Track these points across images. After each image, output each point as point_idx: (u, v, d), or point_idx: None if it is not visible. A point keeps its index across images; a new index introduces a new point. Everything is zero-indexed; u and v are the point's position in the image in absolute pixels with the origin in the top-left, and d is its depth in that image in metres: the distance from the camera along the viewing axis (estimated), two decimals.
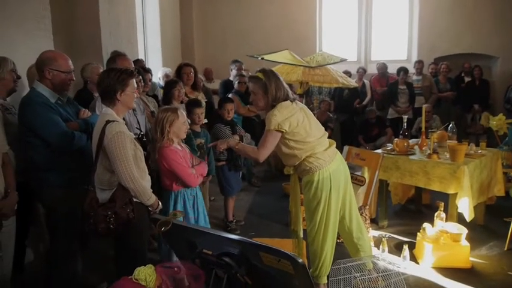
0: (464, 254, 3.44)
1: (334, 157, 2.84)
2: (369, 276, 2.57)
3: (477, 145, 4.43)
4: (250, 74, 6.26)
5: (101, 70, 3.69)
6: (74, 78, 2.77)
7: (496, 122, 4.90)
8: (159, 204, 2.49)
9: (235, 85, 5.86)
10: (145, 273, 1.82)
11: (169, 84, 4.02)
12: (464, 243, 3.46)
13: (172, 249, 2.48)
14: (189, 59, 7.26)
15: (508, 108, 6.48)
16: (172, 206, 2.89)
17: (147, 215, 2.42)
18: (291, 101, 2.77)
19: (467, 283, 3.18)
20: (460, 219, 3.71)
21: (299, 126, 2.71)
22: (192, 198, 2.95)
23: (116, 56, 3.50)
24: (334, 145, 2.91)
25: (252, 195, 5.53)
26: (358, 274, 2.57)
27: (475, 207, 3.74)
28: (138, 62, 4.77)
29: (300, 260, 1.69)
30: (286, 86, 2.80)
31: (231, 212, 4.35)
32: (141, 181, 2.35)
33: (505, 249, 3.74)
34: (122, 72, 2.42)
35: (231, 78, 6.13)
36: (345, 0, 8.69)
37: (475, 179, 3.78)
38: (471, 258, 3.49)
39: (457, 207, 3.68)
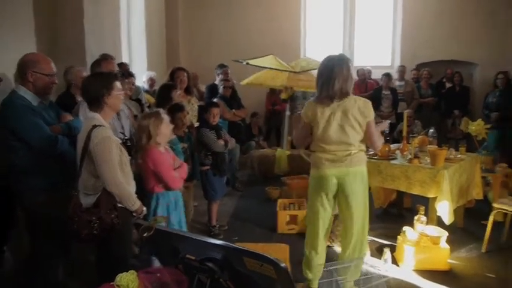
0: (443, 256, 3.51)
1: (318, 165, 2.88)
2: (351, 279, 2.61)
3: (457, 150, 4.52)
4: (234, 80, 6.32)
5: (85, 73, 3.68)
6: (57, 82, 2.75)
7: (475, 127, 5.01)
8: (143, 210, 2.49)
9: (220, 90, 5.87)
10: (127, 279, 1.81)
11: (167, 88, 4.03)
12: (444, 245, 3.53)
13: (154, 255, 2.48)
14: (174, 62, 7.24)
15: (487, 114, 6.63)
16: (154, 208, 2.89)
17: (131, 221, 2.41)
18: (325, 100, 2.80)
19: (447, 285, 3.25)
20: (440, 222, 3.78)
21: (314, 122, 2.85)
22: (174, 201, 2.97)
23: (101, 59, 3.49)
24: (324, 156, 2.87)
25: (235, 199, 5.54)
26: (340, 277, 2.60)
27: (454, 211, 3.81)
28: (122, 66, 4.74)
29: (283, 264, 1.71)
30: (338, 86, 2.73)
31: (215, 217, 4.35)
32: (126, 186, 2.35)
33: (483, 251, 3.84)
34: (105, 75, 2.44)
35: (217, 82, 6.13)
36: (329, 6, 8.79)
37: (454, 183, 3.86)
38: (451, 261, 3.57)
39: (437, 211, 3.76)
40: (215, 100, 5.33)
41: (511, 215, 3.90)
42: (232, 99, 5.97)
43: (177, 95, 4.01)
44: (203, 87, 6.80)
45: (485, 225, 3.90)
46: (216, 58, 7.02)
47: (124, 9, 6.26)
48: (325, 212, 2.95)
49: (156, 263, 2.53)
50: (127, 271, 1.85)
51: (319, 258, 3.00)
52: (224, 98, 5.79)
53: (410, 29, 8.29)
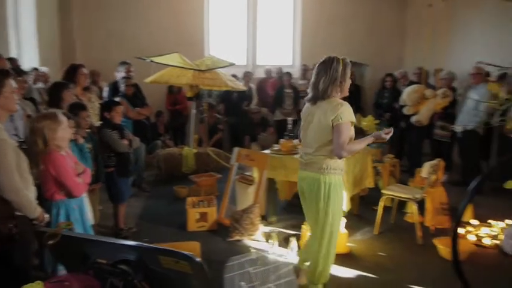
0: (343, 240, 3.83)
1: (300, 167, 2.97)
2: (261, 269, 2.74)
3: None
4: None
5: None
6: None
7: (366, 122, 5.51)
8: (45, 217, 2.33)
9: (122, 88, 5.66)
10: None
11: (59, 86, 3.75)
12: (343, 230, 3.86)
13: (61, 262, 2.35)
14: (71, 59, 6.79)
15: (380, 113, 7.30)
16: (55, 217, 2.69)
17: (32, 229, 2.25)
18: (309, 102, 2.85)
19: (346, 266, 3.56)
20: None
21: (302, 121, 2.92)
22: (77, 209, 2.77)
23: None
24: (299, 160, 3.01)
25: (142, 200, 5.39)
26: (252, 268, 2.72)
27: (350, 199, 4.19)
28: (12, 62, 4.35)
29: (197, 259, 1.75)
30: (322, 86, 2.71)
31: (122, 219, 4.21)
32: (25, 192, 2.19)
33: (376, 233, 4.27)
34: None
35: (118, 80, 5.90)
36: (233, 6, 8.95)
37: (350, 174, 4.23)
38: (349, 244, 3.92)
39: None
40: (117, 99, 5.14)
41: (397, 200, 4.38)
42: (136, 98, 5.80)
43: (70, 95, 3.77)
44: (104, 85, 6.51)
45: (377, 210, 4.33)
46: (118, 55, 6.75)
47: (10, 2, 5.72)
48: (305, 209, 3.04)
49: (63, 271, 2.40)
50: (31, 282, 1.74)
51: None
52: (126, 96, 5.60)
53: (309, 31, 8.80)
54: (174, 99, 7.94)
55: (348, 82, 2.80)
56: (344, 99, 2.83)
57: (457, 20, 7.20)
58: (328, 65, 2.71)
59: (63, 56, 7.50)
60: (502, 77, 5.78)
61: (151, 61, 6.02)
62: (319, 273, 2.94)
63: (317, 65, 2.79)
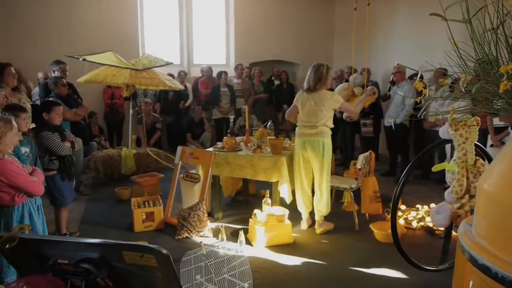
0: (288, 231, 4.04)
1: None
2: (215, 261, 2.84)
3: (289, 139, 5.18)
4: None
5: None
6: None
7: None
8: None
9: (55, 88, 5.41)
10: None
11: None
12: (287, 222, 4.06)
13: (14, 266, 2.27)
14: None
15: None
16: (19, 221, 2.62)
17: None
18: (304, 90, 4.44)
19: (293, 255, 3.76)
20: (282, 202, 4.32)
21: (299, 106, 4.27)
22: (37, 208, 2.73)
23: None
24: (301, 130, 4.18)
25: (83, 204, 5.22)
26: (206, 261, 2.82)
27: (292, 191, 4.41)
28: None
29: (164, 251, 1.82)
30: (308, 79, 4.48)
31: (65, 224, 4.07)
32: None
33: None
34: None
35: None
36: (166, 5, 8.87)
37: (291, 168, 4.45)
38: (294, 234, 4.13)
39: (279, 193, 4.29)
40: (51, 99, 4.92)
41: (335, 190, 4.69)
42: (70, 98, 5.57)
43: (1, 96, 3.61)
44: (32, 85, 6.19)
45: None
46: (44, 53, 6.42)
47: None
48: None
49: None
50: None
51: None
52: (60, 97, 5.36)
53: (242, 31, 8.99)
54: (112, 93, 7.78)
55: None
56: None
57: (378, 24, 7.77)
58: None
59: None
60: (412, 78, 6.42)
61: (84, 59, 5.83)
62: (328, 206, 4.28)
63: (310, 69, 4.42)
